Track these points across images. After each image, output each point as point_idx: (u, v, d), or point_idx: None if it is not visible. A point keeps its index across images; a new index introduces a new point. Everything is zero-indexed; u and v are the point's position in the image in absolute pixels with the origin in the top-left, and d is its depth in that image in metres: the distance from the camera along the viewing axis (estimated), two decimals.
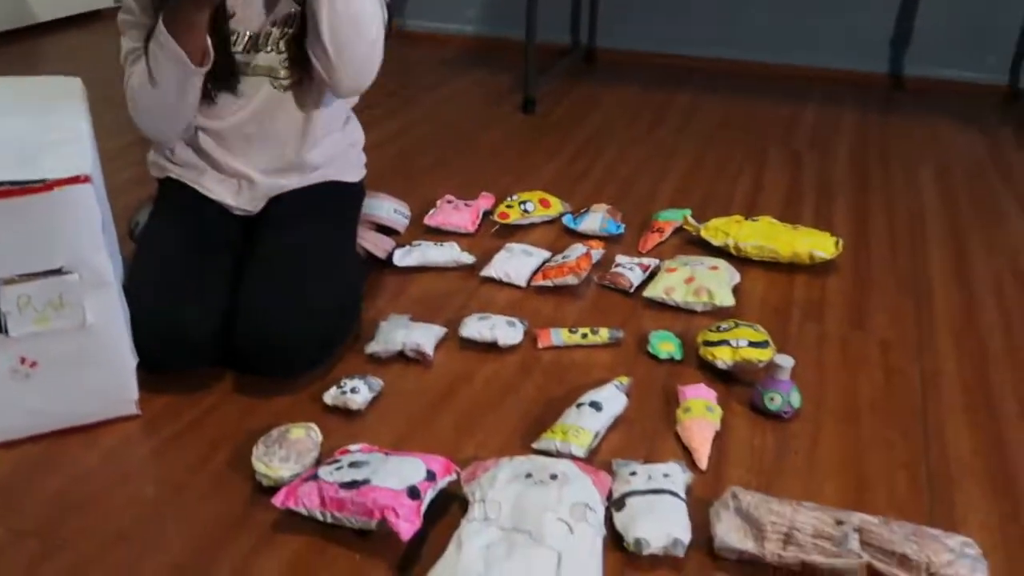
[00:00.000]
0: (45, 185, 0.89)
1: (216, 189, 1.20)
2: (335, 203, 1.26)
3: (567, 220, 1.51)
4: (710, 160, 1.85)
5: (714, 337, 1.12)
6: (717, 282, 1.27)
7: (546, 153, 1.89)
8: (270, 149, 1.19)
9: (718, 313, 1.25)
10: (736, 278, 1.32)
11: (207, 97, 1.13)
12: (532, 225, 1.53)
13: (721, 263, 1.33)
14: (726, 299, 1.25)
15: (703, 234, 1.44)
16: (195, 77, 1.07)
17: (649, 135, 2.01)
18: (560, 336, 1.18)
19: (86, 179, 0.90)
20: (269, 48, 1.13)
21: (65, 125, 1.02)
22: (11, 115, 1.04)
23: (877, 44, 2.43)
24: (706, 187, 1.71)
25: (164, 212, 1.19)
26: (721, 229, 1.43)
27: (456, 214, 1.50)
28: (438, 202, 1.55)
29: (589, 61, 2.61)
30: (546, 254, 1.40)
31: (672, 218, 1.51)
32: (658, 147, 1.92)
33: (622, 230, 1.49)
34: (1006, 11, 2.28)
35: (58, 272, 0.92)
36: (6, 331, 0.92)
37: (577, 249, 1.36)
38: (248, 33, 1.12)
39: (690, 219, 1.48)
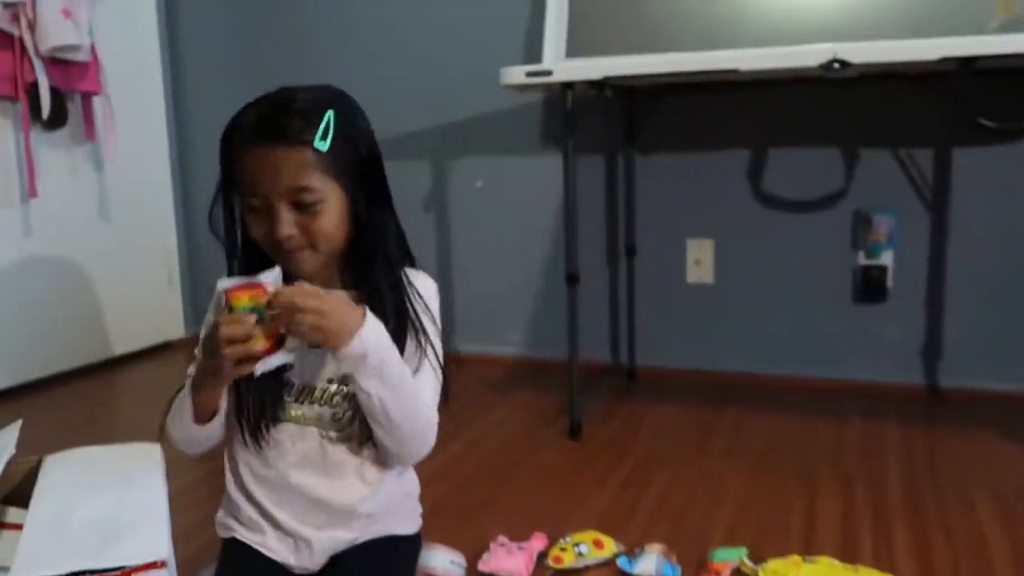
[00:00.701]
0: (123, 572, 0.92)
1: (277, 549, 1.22)
2: (393, 559, 1.27)
3: (622, 563, 1.50)
4: (761, 487, 1.85)
5: None
6: None
7: (594, 482, 1.91)
8: (323, 501, 1.21)
9: None
10: None
11: (255, 442, 1.18)
12: (587, 568, 1.51)
13: None
14: None
15: None
16: (193, 430, 1.14)
17: (697, 459, 2.03)
18: None
19: (162, 564, 0.94)
20: (323, 402, 1.17)
21: (144, 503, 1.08)
22: (92, 491, 1.10)
23: (910, 356, 2.51)
24: (760, 520, 1.70)
25: None
26: (780, 573, 1.40)
27: (509, 558, 1.50)
28: (491, 545, 1.55)
29: (630, 379, 2.72)
30: None
31: (728, 559, 1.49)
32: (707, 473, 1.94)
33: (678, 573, 1.47)
34: None
35: None
36: None
37: None
38: (302, 384, 1.18)
39: (747, 561, 1.46)
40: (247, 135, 1.09)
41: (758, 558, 1.49)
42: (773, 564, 1.43)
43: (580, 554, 1.51)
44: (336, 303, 1.05)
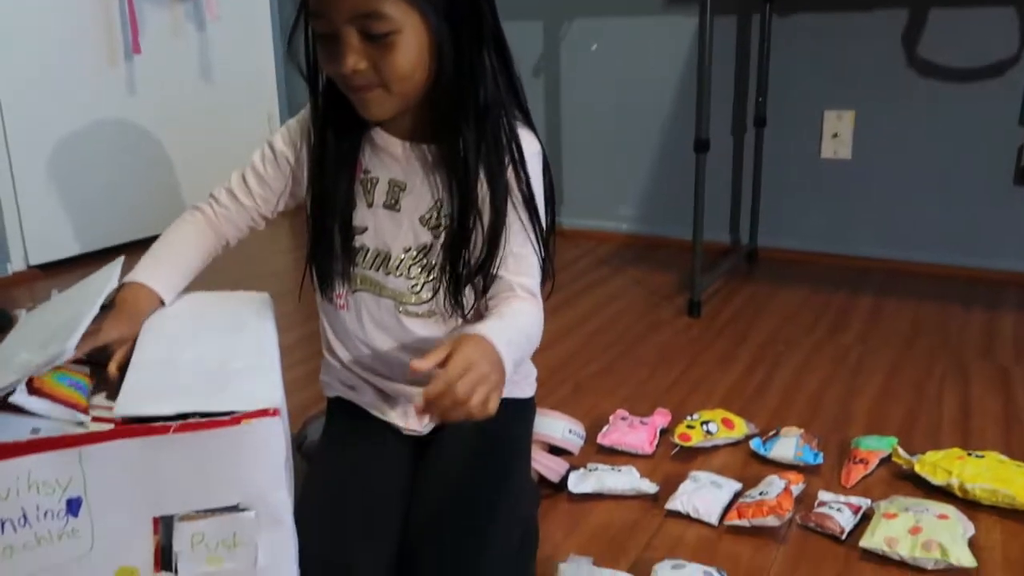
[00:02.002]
0: (232, 419, 0.84)
1: (383, 409, 1.14)
2: (508, 424, 1.16)
3: (755, 445, 1.37)
4: (905, 375, 1.68)
5: None
6: (950, 535, 1.09)
7: (718, 361, 1.77)
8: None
9: (953, 572, 1.06)
10: (970, 529, 1.13)
11: (329, 301, 1.09)
12: (715, 448, 1.40)
13: (951, 510, 1.15)
14: (963, 557, 1.06)
15: (918, 470, 1.27)
16: None
17: (830, 343, 1.86)
18: None
19: (275, 412, 0.85)
20: (399, 273, 1.05)
21: (255, 349, 0.99)
22: (201, 337, 1.02)
23: None
24: (906, 408, 1.54)
25: (333, 438, 1.13)
26: (941, 466, 1.25)
27: (632, 433, 1.39)
28: (611, 418, 1.45)
29: (751, 260, 2.53)
30: (737, 486, 1.26)
31: (877, 447, 1.35)
32: (843, 358, 1.78)
33: (820, 460, 1.33)
34: None
35: (235, 509, 0.86)
36: (176, 572, 0.86)
37: (774, 483, 1.22)
38: (377, 250, 1.05)
39: (900, 451, 1.31)
40: None
41: (909, 447, 1.34)
42: (931, 456, 1.28)
43: (709, 433, 1.39)
44: (481, 357, 0.87)
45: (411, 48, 0.92)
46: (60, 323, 0.98)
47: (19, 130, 2.39)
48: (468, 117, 0.98)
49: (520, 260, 1.02)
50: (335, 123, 1.03)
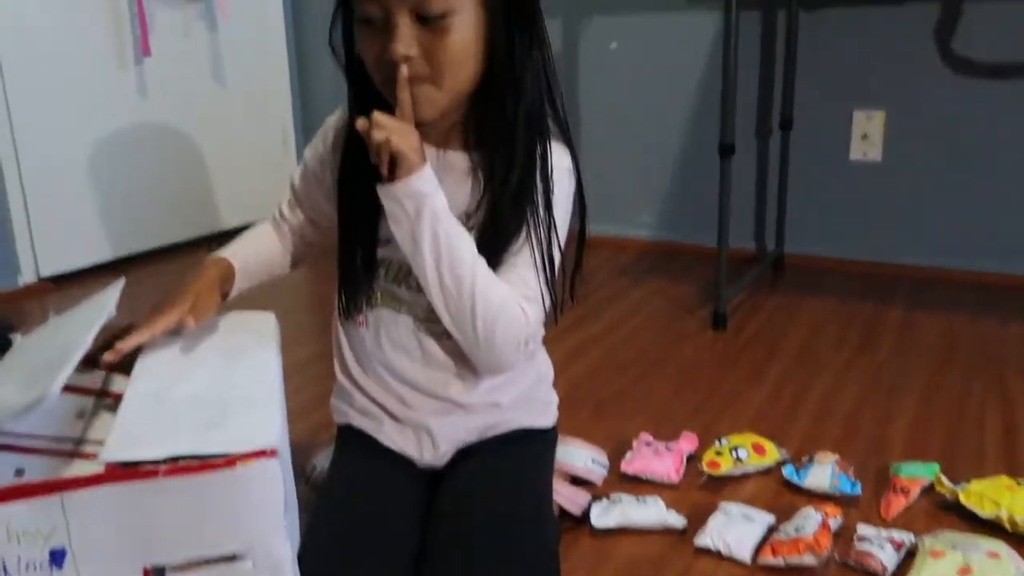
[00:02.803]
0: (227, 460, 0.77)
1: (397, 441, 1.07)
2: (528, 456, 1.10)
3: (788, 473, 1.29)
4: (943, 394, 1.60)
5: None
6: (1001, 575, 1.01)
7: (746, 379, 1.70)
8: (438, 392, 1.04)
9: None
10: None
11: (348, 316, 1.05)
12: (745, 475, 1.32)
13: (1002, 548, 1.07)
14: None
15: (964, 501, 1.19)
16: None
17: (862, 358, 1.78)
18: None
19: (272, 453, 0.79)
20: (418, 288, 0.98)
21: (254, 379, 0.93)
22: (196, 368, 0.95)
23: None
24: (946, 430, 1.46)
25: (343, 469, 1.07)
26: (989, 497, 1.17)
27: (657, 460, 1.32)
28: (635, 443, 1.38)
29: (777, 268, 2.44)
30: (770, 519, 1.18)
31: (918, 475, 1.27)
32: (876, 375, 1.69)
33: (858, 490, 1.25)
34: None
35: (231, 558, 0.80)
36: None
37: (810, 517, 1.14)
38: (400, 262, 1.00)
39: (943, 479, 1.23)
40: None
41: (953, 475, 1.26)
42: (977, 485, 1.20)
43: (739, 459, 1.31)
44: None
45: (466, 33, 0.88)
46: (49, 356, 0.92)
47: (29, 139, 2.34)
48: (507, 126, 0.93)
49: (514, 273, 0.95)
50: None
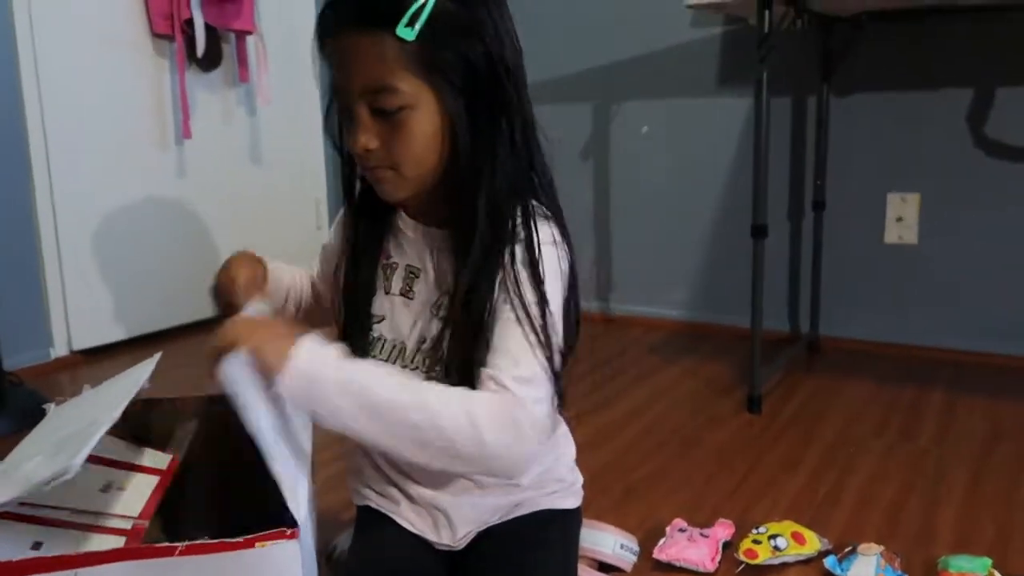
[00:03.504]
0: (245, 541, 0.75)
1: (415, 522, 1.04)
2: (552, 540, 1.06)
3: (830, 564, 1.23)
4: (990, 483, 1.53)
5: None
6: None
7: (783, 464, 1.64)
8: (450, 476, 1.01)
9: None
10: None
11: None
12: (784, 565, 1.26)
13: None
14: None
15: None
16: None
17: (904, 445, 1.72)
18: None
19: (292, 535, 0.76)
20: (413, 364, 0.97)
21: (289, 450, 0.91)
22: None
23: None
24: (996, 522, 1.39)
25: (363, 550, 1.04)
26: None
27: (692, 547, 1.27)
28: (668, 529, 1.33)
29: (812, 351, 2.40)
30: None
31: (969, 569, 1.20)
32: (919, 462, 1.63)
33: None
34: None
35: None
36: None
37: None
38: (393, 341, 0.99)
39: (996, 574, 1.16)
40: (326, 17, 0.89)
41: (1006, 569, 1.19)
42: None
43: (777, 549, 1.26)
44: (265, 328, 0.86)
45: (424, 127, 0.87)
46: (77, 428, 0.92)
47: (68, 214, 2.39)
48: (483, 203, 0.89)
49: (502, 354, 0.87)
50: (365, 206, 1.01)
